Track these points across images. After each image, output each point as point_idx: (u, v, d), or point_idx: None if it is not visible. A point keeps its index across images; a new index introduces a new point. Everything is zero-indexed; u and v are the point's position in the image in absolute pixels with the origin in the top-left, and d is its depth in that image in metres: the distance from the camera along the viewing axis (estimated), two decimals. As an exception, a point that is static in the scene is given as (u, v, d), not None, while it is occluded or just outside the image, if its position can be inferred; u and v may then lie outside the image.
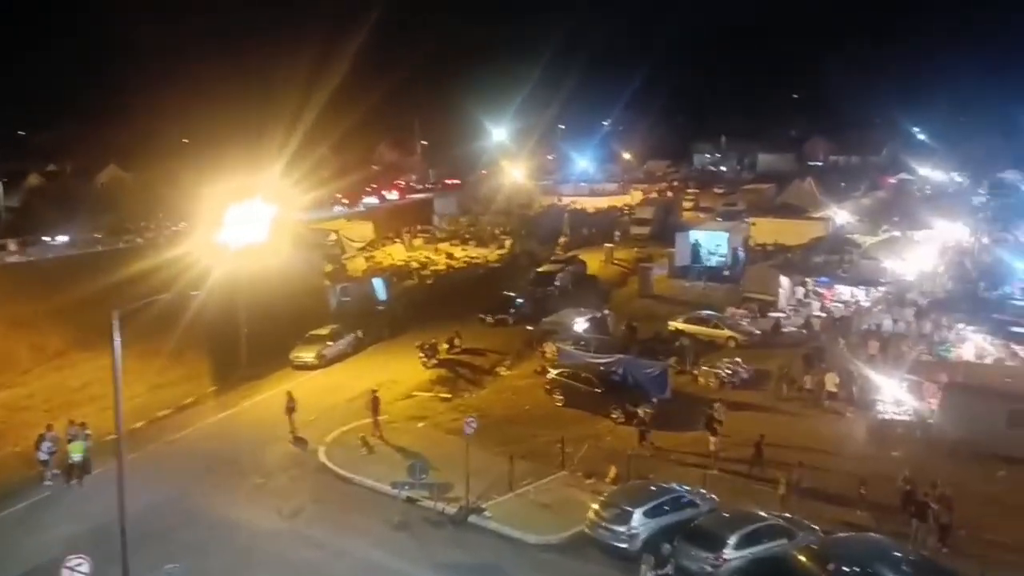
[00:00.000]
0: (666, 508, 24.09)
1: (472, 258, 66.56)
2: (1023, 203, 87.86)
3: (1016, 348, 38.74)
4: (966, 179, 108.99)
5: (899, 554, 21.55)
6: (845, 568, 20.45)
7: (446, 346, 42.95)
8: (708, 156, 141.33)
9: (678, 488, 25.39)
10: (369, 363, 42.84)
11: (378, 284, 53.53)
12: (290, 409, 33.28)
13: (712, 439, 30.20)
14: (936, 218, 69.49)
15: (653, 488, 25.33)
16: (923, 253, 58.13)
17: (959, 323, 42.78)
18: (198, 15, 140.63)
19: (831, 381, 36.07)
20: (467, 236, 75.84)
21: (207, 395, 38.55)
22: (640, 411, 32.38)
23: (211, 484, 28.92)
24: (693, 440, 32.03)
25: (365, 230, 74.68)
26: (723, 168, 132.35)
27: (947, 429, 30.80)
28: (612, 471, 28.52)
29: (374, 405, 33.15)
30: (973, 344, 39.87)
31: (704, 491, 26.10)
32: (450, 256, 67.33)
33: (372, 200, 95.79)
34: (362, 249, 69.33)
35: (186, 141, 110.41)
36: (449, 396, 37.78)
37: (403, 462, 28.39)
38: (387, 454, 30.98)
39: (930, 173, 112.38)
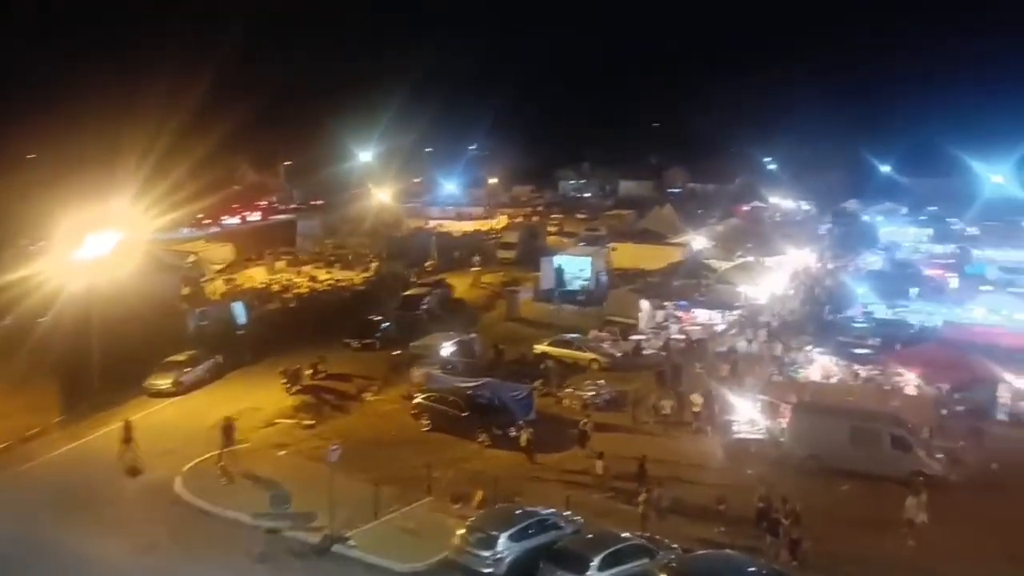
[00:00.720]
0: (531, 531, 24.32)
1: (337, 281, 65.61)
2: (863, 231, 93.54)
3: (858, 368, 40.99)
4: (812, 208, 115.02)
5: (753, 569, 22.45)
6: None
7: (310, 371, 42.15)
8: (572, 182, 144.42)
9: (543, 511, 25.67)
10: (230, 390, 41.57)
11: (238, 308, 51.97)
12: (127, 439, 31.86)
13: (599, 463, 30.47)
14: (786, 244, 72.99)
15: (518, 512, 25.53)
16: (774, 278, 60.94)
17: (807, 345, 45.02)
18: (48, 27, 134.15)
19: (695, 401, 37.28)
20: (332, 258, 74.77)
21: (54, 425, 36.48)
22: (523, 434, 32.85)
23: (60, 518, 27.40)
24: (558, 461, 32.53)
25: (225, 252, 72.64)
26: (587, 194, 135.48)
27: (796, 446, 32.32)
28: (478, 495, 28.58)
29: (226, 433, 32.15)
30: (820, 365, 41.93)
31: (568, 513, 26.46)
32: (314, 279, 66.16)
33: (233, 221, 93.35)
34: (222, 271, 67.35)
35: (32, 156, 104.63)
36: (313, 423, 37.03)
37: (265, 492, 27.66)
38: (248, 484, 30.10)
39: (780, 202, 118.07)
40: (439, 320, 52.23)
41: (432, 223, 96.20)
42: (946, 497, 29.30)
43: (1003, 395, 37.55)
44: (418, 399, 37.24)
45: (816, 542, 25.44)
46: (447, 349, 43.42)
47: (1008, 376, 37.96)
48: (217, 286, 61.99)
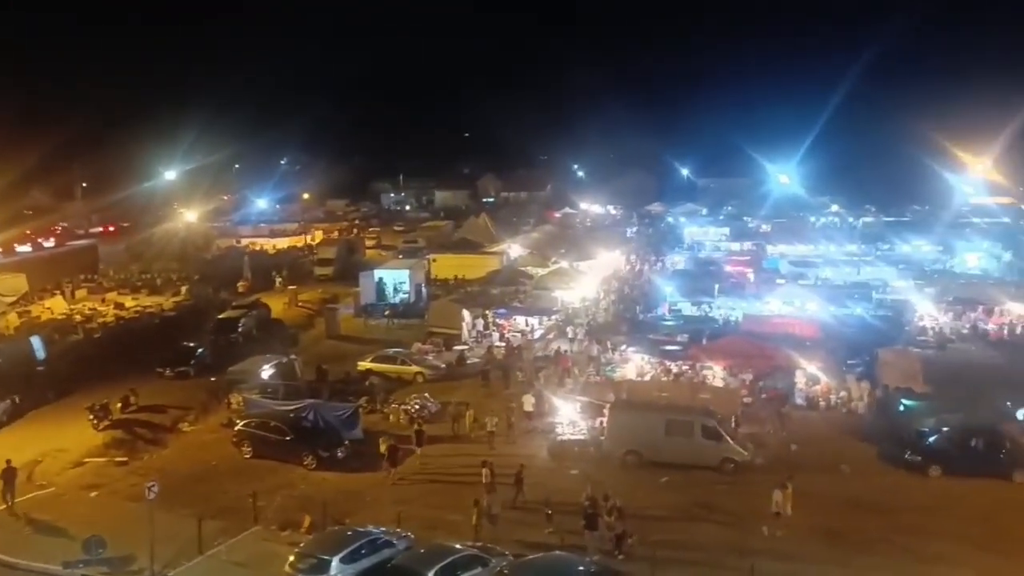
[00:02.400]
0: (363, 552, 24.12)
1: (145, 307, 62.45)
2: (668, 232, 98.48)
3: (669, 364, 43.09)
4: (620, 211, 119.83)
5: (582, 568, 23.25)
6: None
7: (120, 405, 39.97)
8: (393, 195, 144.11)
9: (374, 530, 25.52)
10: (30, 431, 38.69)
11: (36, 342, 48.62)
12: None
13: (484, 471, 29.98)
14: (597, 248, 75.75)
15: (349, 533, 25.27)
16: (588, 281, 63.15)
17: (622, 345, 46.92)
18: None
19: (528, 403, 38.12)
20: (139, 284, 71.27)
21: None
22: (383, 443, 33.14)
23: None
24: (386, 478, 32.42)
25: (18, 283, 67.57)
26: (408, 207, 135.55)
27: (616, 444, 33.61)
28: (307, 520, 28.06)
29: (7, 479, 30.01)
30: (634, 364, 43.79)
31: (399, 529, 26.45)
32: (120, 306, 62.66)
33: (25, 248, 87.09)
34: (14, 304, 62.64)
35: None
36: (126, 459, 35.12)
37: (77, 537, 26.05)
38: (57, 530, 28.23)
39: (590, 207, 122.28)
40: (257, 342, 50.75)
41: (244, 242, 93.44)
42: (753, 478, 31.51)
43: (800, 381, 40.52)
44: (238, 426, 36.07)
45: (640, 534, 26.62)
46: (266, 372, 42.32)
47: (803, 363, 41.00)
48: (10, 320, 57.60)
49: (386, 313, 57.67)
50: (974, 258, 74.47)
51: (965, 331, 52.10)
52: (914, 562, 25.31)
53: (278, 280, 69.22)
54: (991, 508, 28.91)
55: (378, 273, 62.45)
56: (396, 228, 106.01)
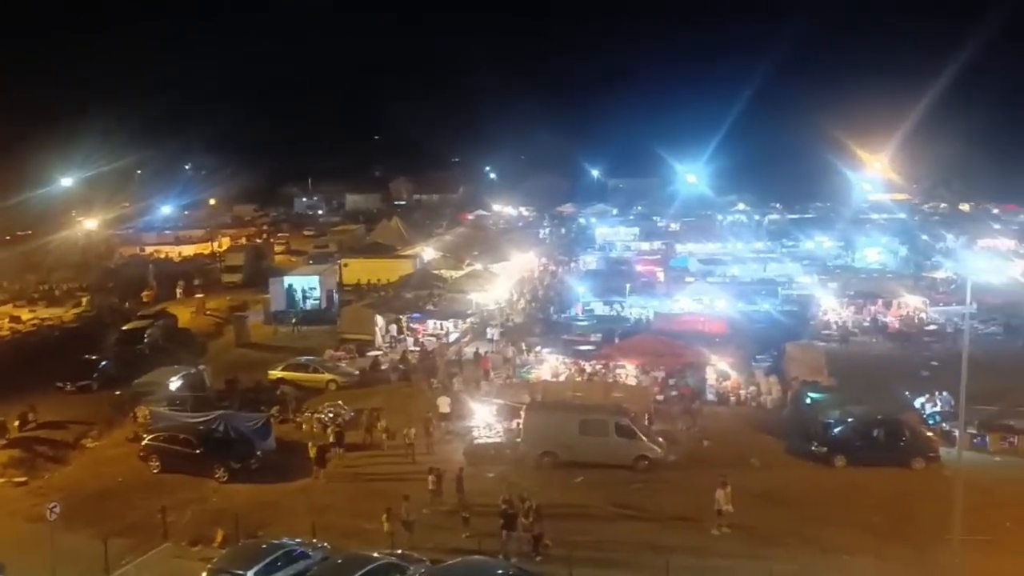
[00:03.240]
0: (279, 564, 23.67)
1: (43, 320, 60.09)
2: (580, 233, 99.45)
3: (583, 364, 43.48)
4: (532, 213, 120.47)
5: (500, 571, 23.27)
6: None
7: (17, 423, 38.34)
8: (305, 199, 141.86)
9: (289, 542, 25.08)
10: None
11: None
12: None
13: (430, 478, 30.04)
14: (511, 250, 75.96)
15: (263, 546, 24.75)
16: (502, 283, 63.29)
17: (536, 346, 47.16)
18: None
19: (443, 404, 38.18)
20: (36, 295, 68.53)
21: None
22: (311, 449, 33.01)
23: None
24: (301, 489, 31.97)
25: None
26: (320, 211, 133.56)
27: (532, 445, 33.74)
28: (220, 534, 27.42)
29: None
30: (549, 364, 44.05)
31: (315, 540, 26.05)
32: (15, 319, 60.17)
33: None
34: None
35: None
36: (25, 479, 33.72)
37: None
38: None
39: (502, 209, 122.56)
40: (163, 353, 49.30)
41: (149, 249, 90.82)
42: (667, 475, 32.08)
43: (710, 377, 41.36)
44: (146, 440, 35.02)
45: (557, 534, 26.80)
46: (174, 384, 41.20)
47: (713, 359, 41.86)
48: None
49: (293, 321, 56.82)
50: (873, 253, 77.18)
51: (866, 324, 53.92)
52: (819, 553, 26.06)
53: (179, 290, 67.39)
54: (892, 496, 29.98)
55: (288, 279, 61.46)
56: (306, 233, 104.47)
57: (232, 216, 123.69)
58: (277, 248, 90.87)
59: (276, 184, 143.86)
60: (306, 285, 60.85)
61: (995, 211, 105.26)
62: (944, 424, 35.09)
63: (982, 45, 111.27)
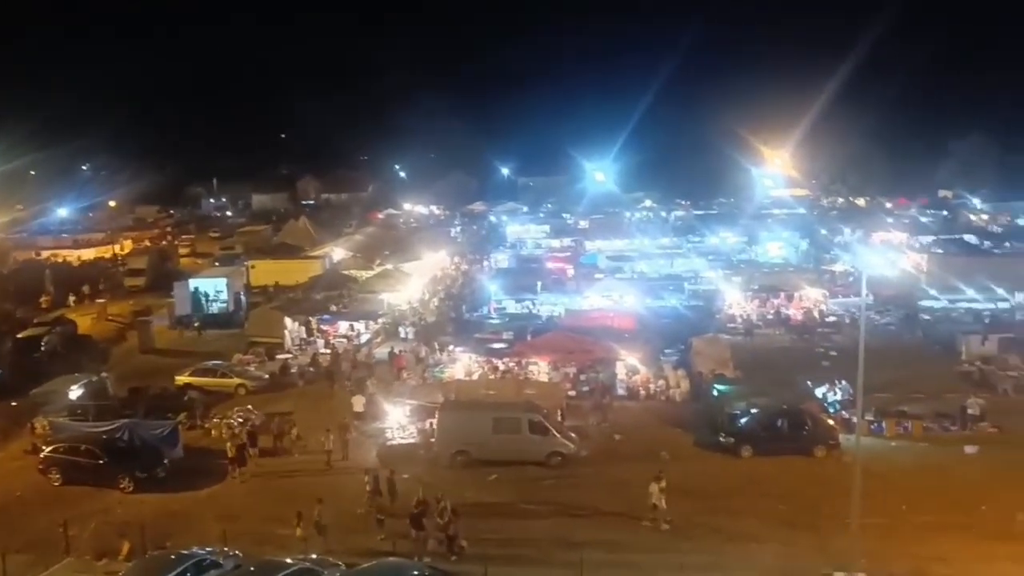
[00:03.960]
0: (189, 574, 23.18)
1: (-69, 329, 57.41)
2: (491, 231, 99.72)
3: (496, 362, 43.68)
4: (443, 211, 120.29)
5: (416, 572, 23.27)
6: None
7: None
8: (212, 200, 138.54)
9: (199, 551, 24.56)
10: None
11: None
12: None
13: (367, 478, 29.62)
14: (422, 249, 75.67)
15: (172, 557, 24.17)
16: (414, 283, 63.06)
17: (449, 345, 47.19)
18: None
19: (358, 403, 38.08)
20: (-78, 304, 65.34)
21: None
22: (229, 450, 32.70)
23: None
24: (211, 496, 31.35)
25: None
26: (228, 213, 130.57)
27: (445, 444, 33.78)
28: (125, 546, 26.67)
29: None
30: (462, 363, 44.13)
31: (227, 548, 25.59)
32: (-98, 329, 57.33)
33: None
34: None
35: None
36: (-89, 499, 32.25)
37: None
38: None
39: (413, 207, 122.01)
40: (63, 361, 47.58)
41: (45, 254, 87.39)
42: (580, 471, 32.52)
43: (620, 372, 42.03)
44: (45, 452, 33.78)
45: (472, 533, 26.91)
46: (75, 393, 39.91)
47: (623, 354, 42.55)
48: None
49: (196, 324, 55.55)
50: (775, 247, 79.38)
51: (769, 317, 55.49)
52: (727, 542, 26.74)
53: (72, 299, 65.14)
54: (796, 484, 30.99)
55: (193, 282, 60.08)
56: (212, 234, 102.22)
57: (134, 218, 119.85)
58: (182, 250, 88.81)
59: (180, 185, 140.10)
60: (213, 288, 59.57)
61: (888, 205, 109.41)
62: (843, 412, 36.40)
63: (875, 44, 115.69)
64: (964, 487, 30.15)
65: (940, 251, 70.12)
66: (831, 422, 35.29)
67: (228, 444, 34.07)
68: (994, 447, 33.84)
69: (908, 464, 32.79)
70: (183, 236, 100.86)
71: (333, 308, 55.41)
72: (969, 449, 33.71)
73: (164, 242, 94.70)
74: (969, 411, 36.28)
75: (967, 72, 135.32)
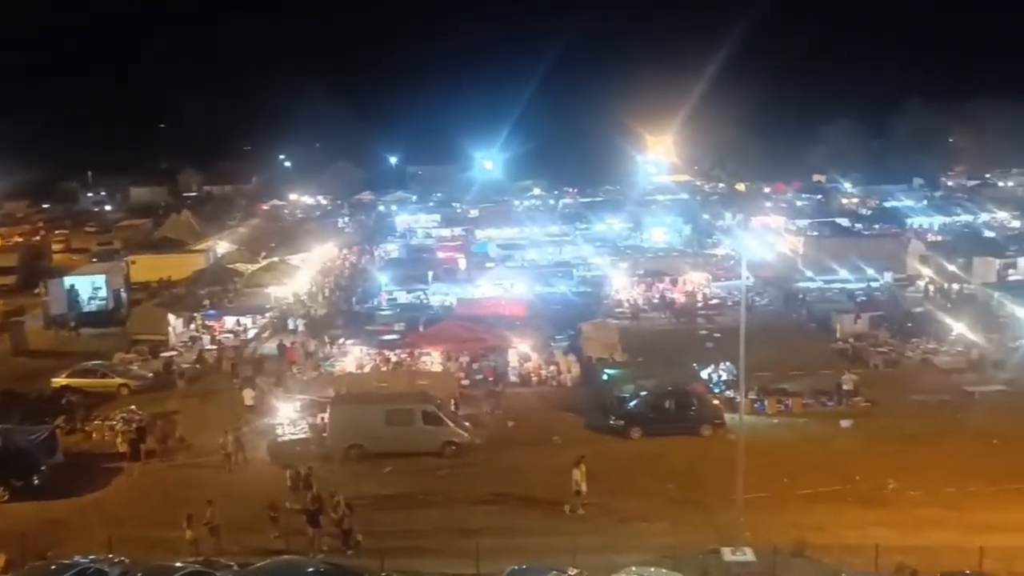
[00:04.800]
0: (71, 585, 22.35)
1: None
2: (381, 222, 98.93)
3: (388, 354, 43.45)
4: (330, 202, 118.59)
5: (311, 569, 23.01)
6: (263, 595, 21.29)
7: None
8: (91, 194, 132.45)
9: (82, 560, 23.66)
10: None
11: None
12: None
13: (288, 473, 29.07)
14: (310, 241, 74.52)
15: (53, 567, 23.20)
16: (302, 276, 62.06)
17: (340, 338, 46.67)
18: None
19: (248, 397, 37.69)
20: None
21: None
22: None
23: None
24: (94, 502, 30.27)
25: None
26: (107, 207, 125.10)
27: (338, 438, 33.45)
28: (2, 559, 25.47)
29: None
30: (353, 356, 43.71)
31: (112, 555, 24.75)
32: None
33: None
34: None
35: None
36: None
37: None
38: None
39: (299, 198, 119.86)
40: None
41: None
42: (475, 459, 32.75)
43: (512, 360, 42.42)
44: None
45: (368, 526, 26.79)
46: (-59, 400, 37.85)
47: (515, 342, 42.95)
48: None
49: (72, 324, 53.39)
50: (660, 233, 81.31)
51: (655, 301, 56.87)
52: (619, 522, 27.39)
53: None
54: (684, 463, 31.92)
55: (69, 280, 57.70)
56: (88, 230, 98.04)
57: (2, 213, 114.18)
58: (56, 247, 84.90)
59: (52, 179, 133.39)
60: (91, 285, 57.31)
61: (766, 190, 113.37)
62: (728, 391, 37.67)
63: (751, 33, 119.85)
64: (840, 459, 31.64)
65: (815, 233, 73.19)
66: (716, 402, 36.43)
67: (119, 440, 33.40)
68: (867, 419, 35.67)
69: (789, 439, 34.20)
70: (57, 232, 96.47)
71: (218, 303, 54.08)
72: (844, 423, 35.37)
73: (36, 238, 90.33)
74: (844, 387, 38.07)
75: (838, 60, 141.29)
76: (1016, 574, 22.67)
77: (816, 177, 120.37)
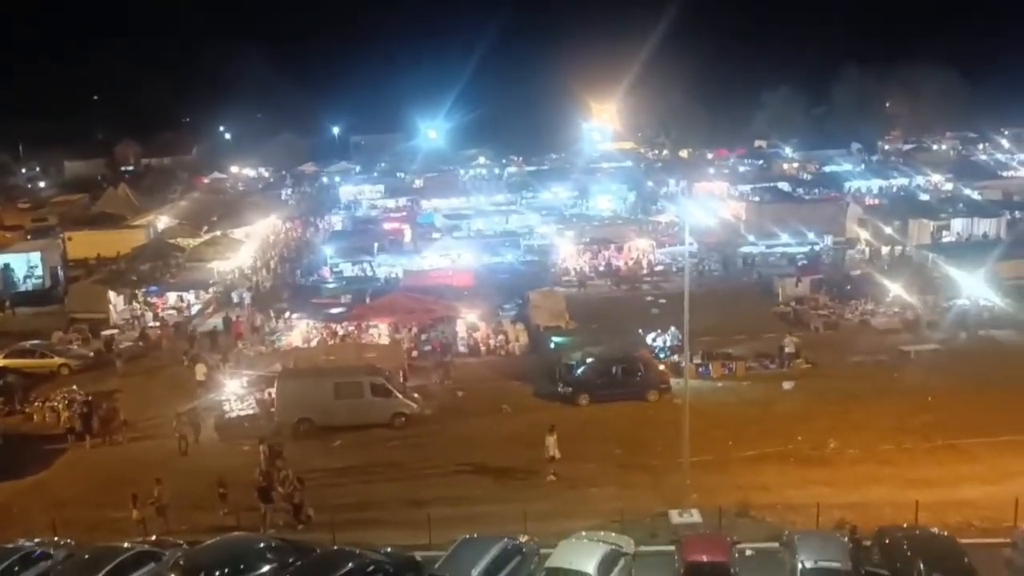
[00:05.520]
0: (16, 570, 21.92)
1: None
2: (324, 193, 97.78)
3: (335, 327, 43.19)
4: (273, 174, 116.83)
5: (262, 544, 22.90)
6: (216, 573, 21.16)
7: None
8: (25, 170, 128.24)
9: (26, 543, 23.30)
10: None
11: None
12: None
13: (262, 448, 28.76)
14: (253, 214, 73.46)
15: (-7, 552, 22.85)
16: (245, 250, 61.25)
17: (285, 312, 46.24)
18: None
19: (200, 372, 37.48)
20: None
21: None
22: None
23: None
24: (35, 485, 29.77)
25: None
26: (41, 184, 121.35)
27: (287, 413, 33.28)
28: (-57, 545, 24.98)
29: None
30: (299, 330, 43.36)
31: (56, 538, 24.40)
32: None
33: None
34: None
35: None
36: None
37: None
38: None
39: (240, 171, 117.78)
40: None
41: None
42: (424, 429, 32.87)
43: (460, 330, 42.47)
44: None
45: (319, 500, 26.79)
46: None
47: (462, 312, 42.98)
48: None
49: (6, 304, 52.12)
50: (605, 201, 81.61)
51: (601, 269, 57.23)
52: (569, 488, 27.71)
53: None
54: (631, 428, 32.35)
55: (3, 258, 56.41)
56: (22, 206, 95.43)
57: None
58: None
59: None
60: (26, 263, 56.02)
61: (709, 156, 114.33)
62: (673, 357, 38.15)
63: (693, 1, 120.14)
64: (783, 420, 32.33)
65: (757, 199, 74.11)
66: (662, 367, 36.87)
67: (66, 416, 33.50)
68: (808, 381, 36.42)
69: (733, 403, 34.80)
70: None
71: (160, 279, 53.17)
72: (786, 385, 36.07)
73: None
74: (786, 349, 38.81)
75: (778, 27, 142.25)
76: (948, 526, 23.43)
77: (757, 143, 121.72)
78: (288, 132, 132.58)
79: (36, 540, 23.84)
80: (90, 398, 35.10)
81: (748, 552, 22.76)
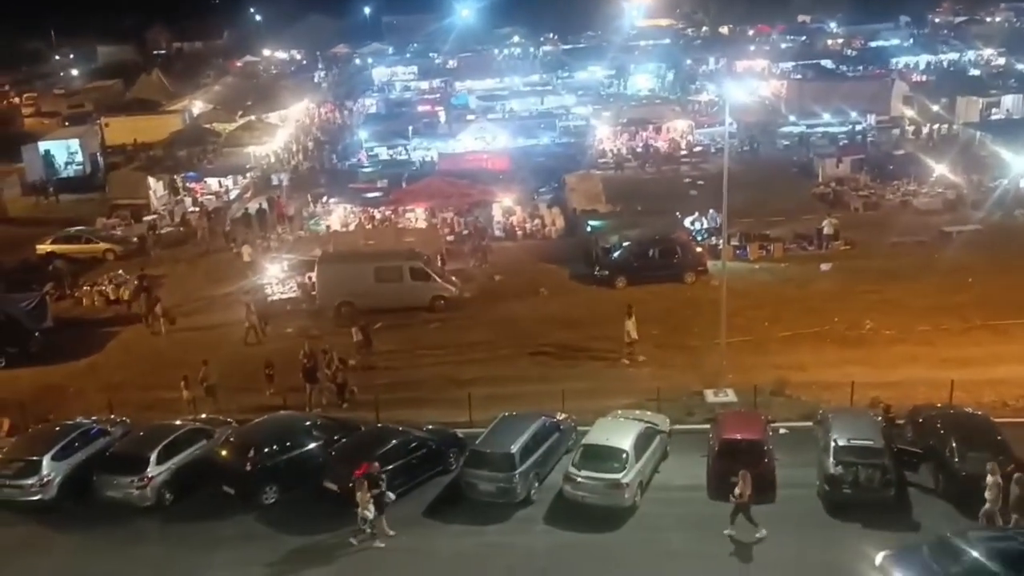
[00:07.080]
0: (76, 445, 22.80)
1: None
2: (356, 75, 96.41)
3: (372, 211, 43.40)
4: (305, 56, 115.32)
5: (308, 422, 23.74)
6: (266, 450, 22.03)
7: None
8: (59, 57, 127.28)
9: (85, 421, 24.32)
10: None
11: None
12: None
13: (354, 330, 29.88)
14: (287, 98, 72.99)
15: (57, 428, 23.83)
16: (281, 134, 61.13)
17: (322, 197, 46.46)
18: None
19: (246, 253, 38.67)
20: None
21: None
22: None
23: None
24: (89, 367, 30.81)
25: None
26: (74, 72, 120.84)
27: (328, 296, 33.86)
28: (5, 424, 26.16)
29: None
30: (337, 215, 43.66)
31: (113, 416, 25.42)
32: None
33: None
34: None
35: None
36: None
37: None
38: None
39: (273, 54, 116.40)
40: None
41: None
42: (463, 312, 33.35)
43: (496, 214, 42.51)
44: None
45: (362, 380, 27.52)
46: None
47: (498, 196, 42.90)
48: None
49: (50, 190, 52.82)
50: (643, 80, 79.92)
51: (639, 150, 56.50)
52: (605, 368, 28.18)
53: None
54: (669, 309, 32.50)
55: (44, 145, 56.79)
56: (57, 92, 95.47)
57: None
58: (26, 111, 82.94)
59: (11, 42, 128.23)
60: (65, 150, 56.46)
61: (750, 32, 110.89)
62: (711, 239, 38.00)
63: None
64: (820, 301, 32.34)
65: (798, 77, 72.12)
66: (699, 249, 36.79)
67: (125, 296, 35.21)
68: (847, 262, 36.22)
69: (770, 284, 34.81)
70: (25, 96, 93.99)
71: (198, 165, 53.46)
72: (824, 267, 35.92)
73: (4, 104, 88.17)
74: (825, 231, 38.47)
75: None
76: (983, 405, 23.61)
77: (801, 18, 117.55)
78: (319, 13, 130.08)
79: (93, 418, 24.85)
80: (146, 273, 35.92)
81: (782, 430, 23.19)
